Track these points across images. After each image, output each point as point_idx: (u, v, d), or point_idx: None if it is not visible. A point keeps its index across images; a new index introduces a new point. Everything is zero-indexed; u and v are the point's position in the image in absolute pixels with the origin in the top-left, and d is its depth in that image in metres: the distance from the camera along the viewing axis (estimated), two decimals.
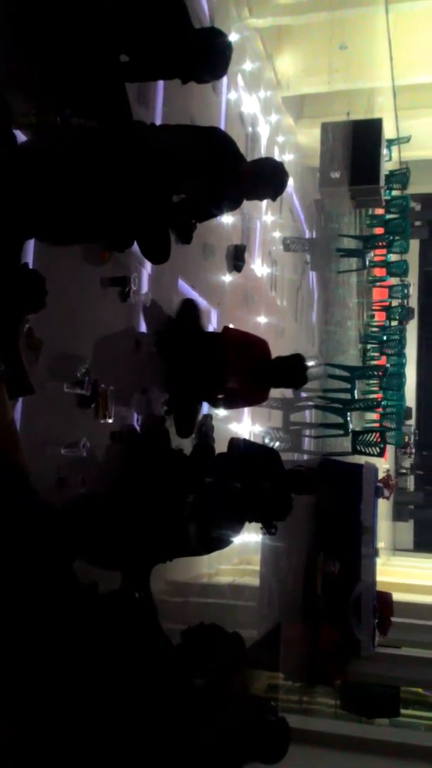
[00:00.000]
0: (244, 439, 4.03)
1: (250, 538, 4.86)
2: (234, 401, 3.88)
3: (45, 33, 2.33)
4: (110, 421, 2.93)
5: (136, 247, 3.14)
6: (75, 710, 1.99)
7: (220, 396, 3.79)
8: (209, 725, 2.19)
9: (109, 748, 2.02)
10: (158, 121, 3.70)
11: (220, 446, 3.95)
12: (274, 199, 3.29)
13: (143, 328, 3.48)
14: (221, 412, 4.41)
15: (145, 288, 3.50)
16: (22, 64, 2.35)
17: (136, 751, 2.07)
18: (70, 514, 2.49)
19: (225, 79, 5.10)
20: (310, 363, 7.98)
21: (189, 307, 3.75)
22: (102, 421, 2.88)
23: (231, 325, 4.89)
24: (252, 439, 5.09)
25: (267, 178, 3.13)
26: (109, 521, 2.58)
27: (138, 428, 3.31)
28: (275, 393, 6.61)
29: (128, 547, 2.59)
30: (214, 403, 3.92)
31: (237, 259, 5.09)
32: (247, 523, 3.29)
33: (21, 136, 2.35)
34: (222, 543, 3.17)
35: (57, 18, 2.35)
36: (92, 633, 2.04)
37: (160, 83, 3.76)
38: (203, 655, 2.49)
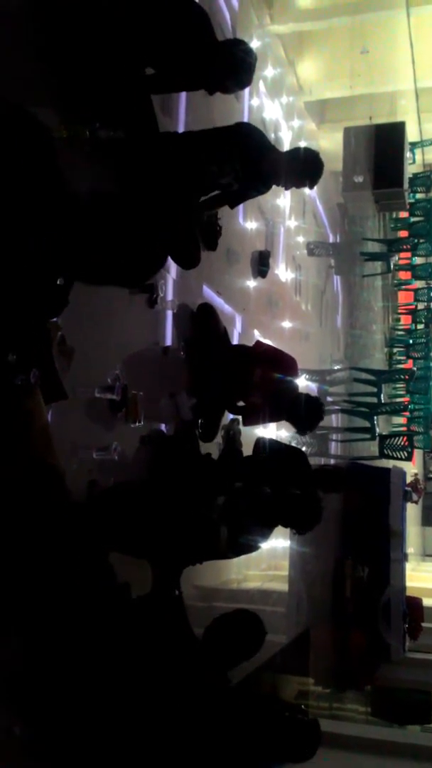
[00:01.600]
0: (270, 439, 4.05)
1: (278, 543, 4.86)
2: (254, 416, 3.88)
3: (73, 48, 2.40)
4: (140, 425, 2.98)
5: None
6: (104, 705, 2.03)
7: (240, 405, 3.81)
8: (238, 724, 2.21)
9: (136, 743, 2.06)
10: (181, 129, 3.76)
11: (247, 450, 3.97)
12: (311, 187, 3.41)
13: (170, 333, 3.52)
14: None
15: (170, 294, 3.55)
16: (51, 78, 2.41)
17: (163, 747, 2.10)
18: (103, 503, 2.52)
19: None
20: (335, 367, 7.98)
21: (205, 311, 3.79)
22: (132, 426, 2.93)
23: (256, 332, 4.93)
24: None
25: (303, 166, 3.25)
26: (140, 512, 2.61)
27: (166, 432, 3.35)
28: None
29: (158, 541, 2.62)
30: (234, 411, 3.93)
31: (261, 264, 5.12)
32: (275, 528, 3.30)
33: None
34: (250, 547, 3.19)
35: (84, 33, 2.42)
36: (125, 632, 2.08)
37: (183, 92, 3.82)
38: (226, 643, 2.49)
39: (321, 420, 3.75)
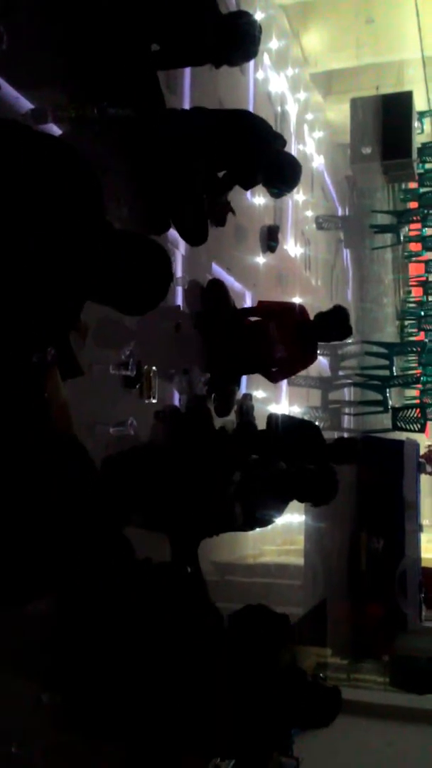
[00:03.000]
0: (282, 414, 4.09)
1: (293, 518, 4.91)
2: (288, 369, 3.98)
3: (79, 28, 2.39)
4: (154, 401, 3.01)
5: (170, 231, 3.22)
6: (125, 679, 2.08)
7: (273, 369, 3.87)
8: (257, 696, 2.26)
9: (161, 710, 2.11)
10: (187, 106, 3.75)
11: (260, 425, 4.00)
12: (276, 196, 3.47)
13: (182, 309, 3.55)
14: (260, 393, 4.46)
15: (180, 271, 3.57)
16: (59, 59, 2.42)
17: (185, 721, 2.15)
18: (119, 477, 2.56)
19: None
20: (347, 341, 7.98)
21: (215, 287, 3.82)
22: (146, 401, 2.97)
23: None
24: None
25: (283, 172, 3.28)
26: (156, 486, 2.65)
27: (180, 407, 3.39)
28: (313, 372, 6.65)
29: (175, 515, 2.67)
30: (269, 377, 4.00)
31: (271, 239, 5.10)
32: (291, 503, 3.33)
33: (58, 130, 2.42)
34: (265, 521, 3.24)
35: (88, 11, 2.41)
36: (144, 603, 2.12)
37: (188, 68, 3.80)
38: (250, 636, 2.54)
39: (350, 325, 3.92)
